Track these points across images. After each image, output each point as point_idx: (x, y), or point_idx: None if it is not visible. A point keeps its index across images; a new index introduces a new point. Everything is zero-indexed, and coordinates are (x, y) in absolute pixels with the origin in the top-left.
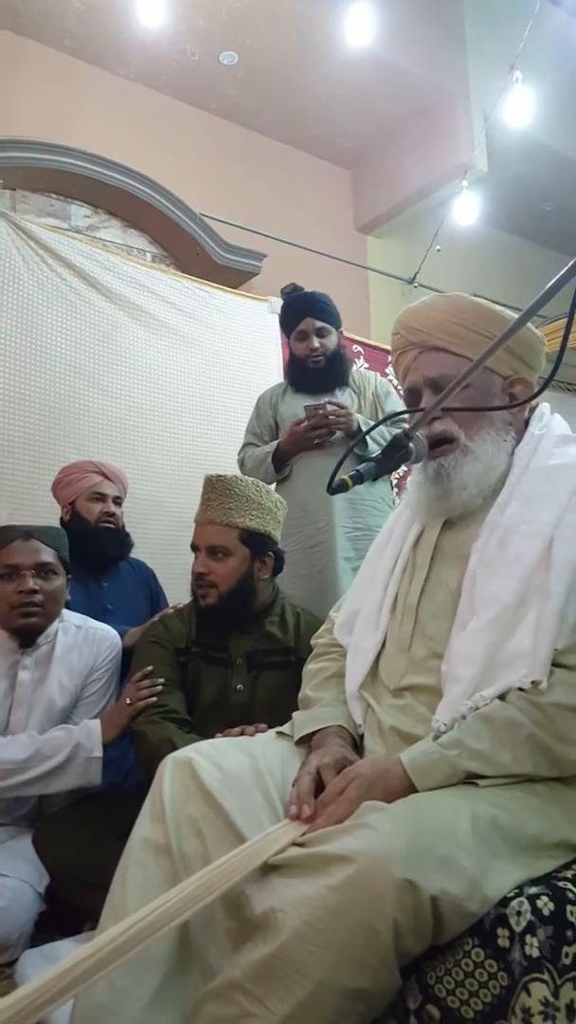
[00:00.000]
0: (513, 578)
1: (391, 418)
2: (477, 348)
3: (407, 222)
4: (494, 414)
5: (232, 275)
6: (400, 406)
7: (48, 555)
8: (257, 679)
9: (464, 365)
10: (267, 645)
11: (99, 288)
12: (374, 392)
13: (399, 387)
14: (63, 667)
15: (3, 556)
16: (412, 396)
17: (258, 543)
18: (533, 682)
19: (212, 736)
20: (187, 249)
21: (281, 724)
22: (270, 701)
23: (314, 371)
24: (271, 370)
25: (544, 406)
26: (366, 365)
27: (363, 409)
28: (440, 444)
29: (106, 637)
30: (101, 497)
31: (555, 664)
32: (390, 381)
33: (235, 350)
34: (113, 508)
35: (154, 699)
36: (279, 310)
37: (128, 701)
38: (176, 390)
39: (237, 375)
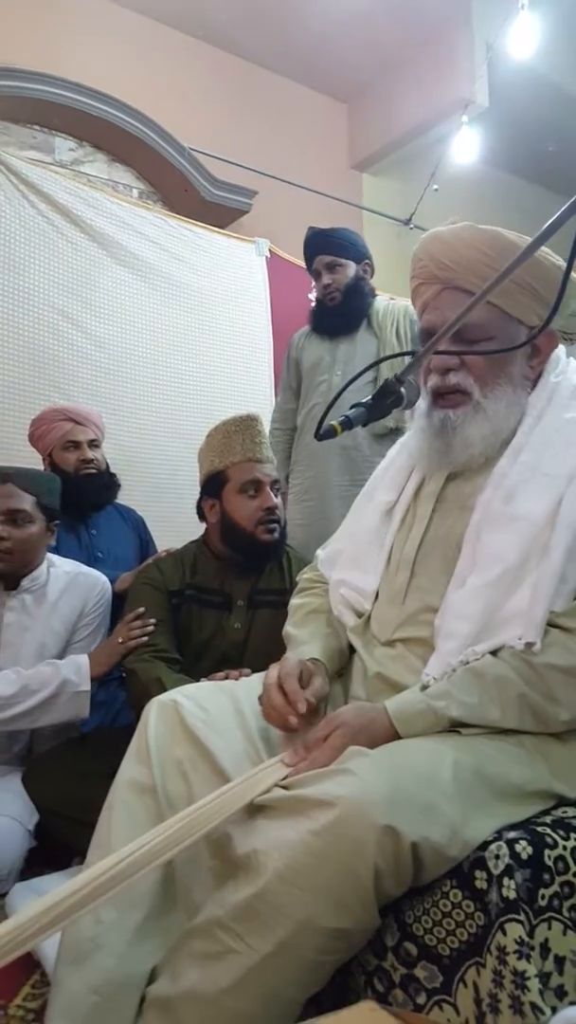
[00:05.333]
0: (517, 535)
1: (388, 359)
2: (508, 295)
3: (404, 160)
4: (512, 370)
5: (222, 212)
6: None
7: (23, 502)
8: (254, 618)
9: (490, 312)
10: (266, 585)
11: (82, 227)
12: (398, 331)
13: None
14: (54, 613)
15: None
16: (428, 337)
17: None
18: (527, 643)
19: (201, 674)
20: (175, 185)
21: (274, 662)
22: (264, 639)
23: (332, 309)
24: (258, 312)
25: (560, 351)
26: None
27: (384, 350)
28: (452, 394)
29: (96, 583)
30: (75, 445)
31: (552, 625)
32: None
33: (221, 292)
34: (90, 453)
35: (145, 639)
36: (266, 251)
37: (120, 640)
38: (161, 333)
39: (223, 318)
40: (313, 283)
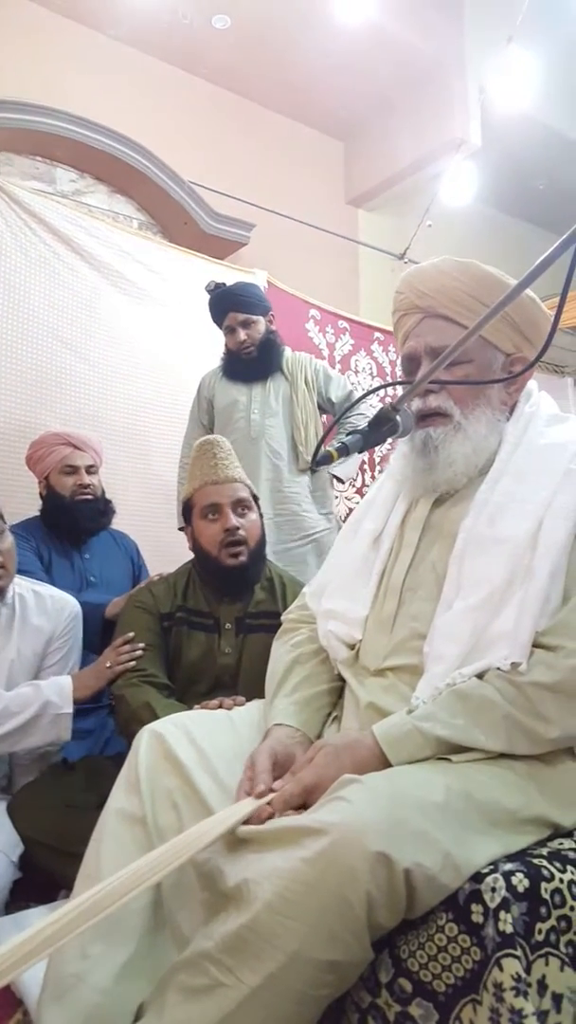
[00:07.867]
0: (501, 558)
1: (377, 390)
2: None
3: (399, 196)
4: (491, 394)
5: (220, 245)
6: (343, 387)
7: None
8: (245, 642)
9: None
10: (256, 609)
11: (83, 255)
12: (306, 379)
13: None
14: (23, 635)
15: None
16: (410, 363)
17: (257, 502)
18: (513, 664)
19: (194, 699)
20: (175, 217)
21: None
22: (257, 664)
23: (248, 361)
24: None
25: (532, 384)
26: (352, 342)
27: (296, 397)
28: (433, 416)
29: (65, 605)
30: (73, 470)
31: (535, 644)
32: (373, 359)
33: None
34: (87, 479)
35: (133, 663)
36: (264, 283)
37: (108, 664)
38: (157, 361)
39: (219, 348)
40: (224, 334)
